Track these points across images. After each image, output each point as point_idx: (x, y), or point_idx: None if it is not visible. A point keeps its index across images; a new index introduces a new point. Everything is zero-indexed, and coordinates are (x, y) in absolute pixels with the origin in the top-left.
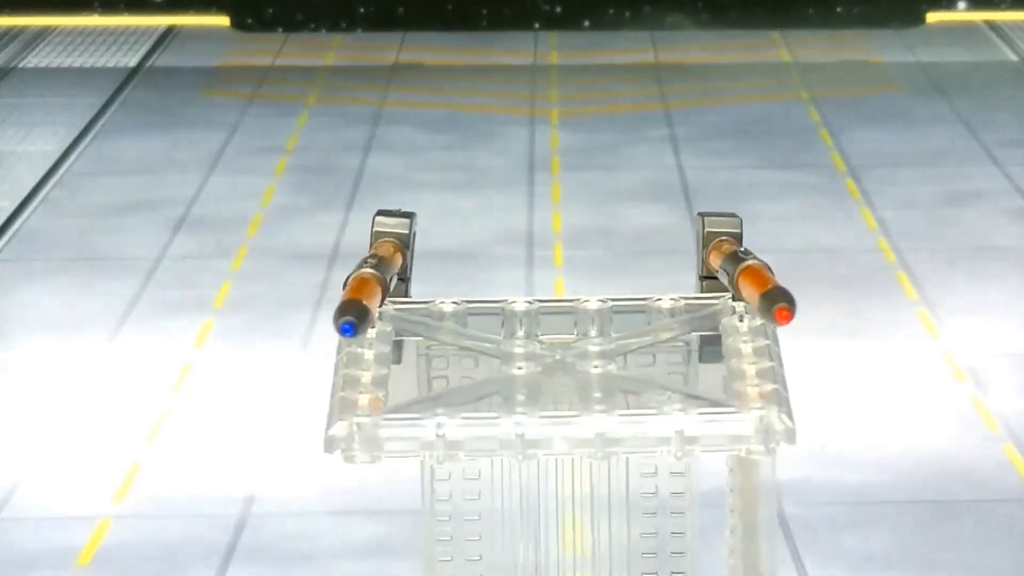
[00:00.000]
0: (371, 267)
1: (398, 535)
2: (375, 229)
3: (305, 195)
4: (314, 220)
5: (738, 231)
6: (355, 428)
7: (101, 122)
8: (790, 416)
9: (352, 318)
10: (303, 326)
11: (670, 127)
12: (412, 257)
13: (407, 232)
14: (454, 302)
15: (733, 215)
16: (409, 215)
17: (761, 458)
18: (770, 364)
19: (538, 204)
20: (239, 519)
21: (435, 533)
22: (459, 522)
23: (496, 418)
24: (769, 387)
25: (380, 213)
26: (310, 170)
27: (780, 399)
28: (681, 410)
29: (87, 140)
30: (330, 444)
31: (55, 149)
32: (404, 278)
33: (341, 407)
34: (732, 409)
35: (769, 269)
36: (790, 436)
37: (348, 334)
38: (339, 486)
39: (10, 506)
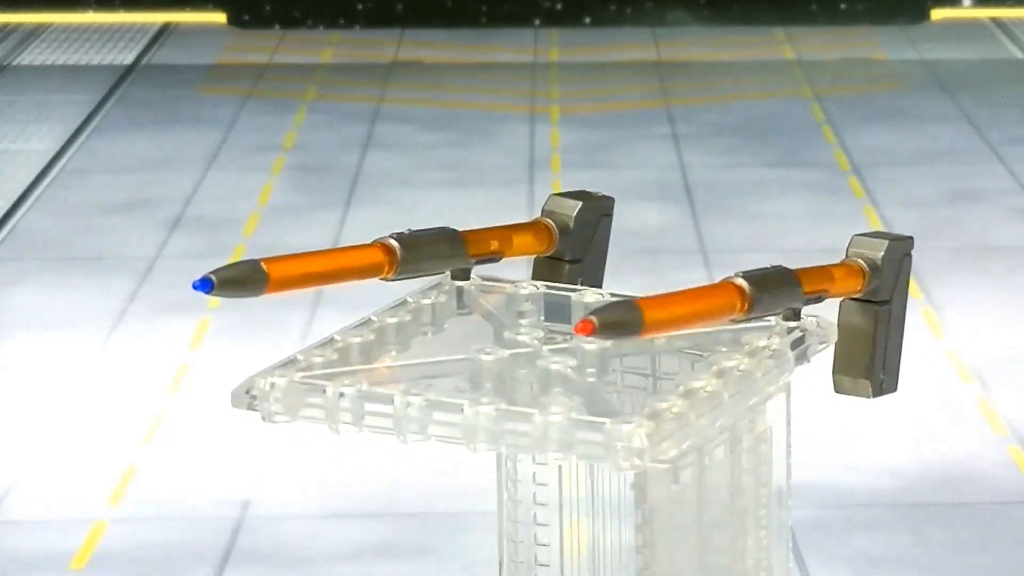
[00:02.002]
0: (394, 238)
1: (399, 538)
2: (543, 207)
3: (303, 193)
4: (312, 218)
5: (877, 253)
6: (269, 387)
7: (96, 120)
8: (656, 439)
9: (212, 276)
10: (301, 326)
11: (672, 125)
12: (595, 243)
13: (570, 214)
14: (535, 285)
15: (887, 237)
16: (591, 199)
17: (631, 472)
18: (708, 386)
19: (539, 203)
20: (236, 522)
21: (513, 515)
22: (529, 505)
23: (390, 396)
24: (674, 405)
25: (563, 194)
26: (308, 168)
27: (665, 420)
28: (559, 413)
29: (82, 138)
30: (235, 398)
31: (50, 147)
32: (561, 259)
33: (277, 364)
34: (605, 420)
35: (744, 288)
36: (640, 456)
37: (199, 289)
38: (338, 488)
39: (4, 508)
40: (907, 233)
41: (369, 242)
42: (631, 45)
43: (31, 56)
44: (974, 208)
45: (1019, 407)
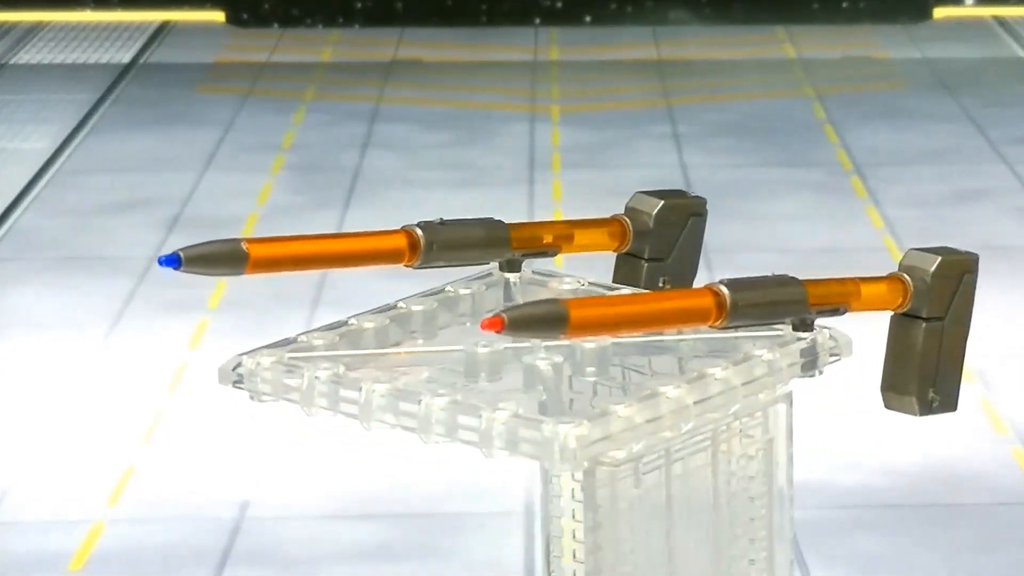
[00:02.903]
0: (420, 225)
1: (400, 539)
2: (627, 204)
3: (302, 193)
4: (311, 218)
5: (927, 269)
6: (255, 366)
7: (94, 119)
8: (591, 440)
9: (180, 252)
10: (299, 326)
11: (673, 124)
12: (682, 243)
13: (649, 212)
14: (580, 281)
15: (943, 252)
16: (675, 197)
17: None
18: (673, 391)
19: (538, 202)
20: (235, 523)
21: (555, 510)
22: (569, 501)
23: (359, 383)
24: (627, 408)
25: (648, 192)
26: (307, 168)
27: (610, 422)
28: (505, 410)
29: (80, 137)
30: (221, 375)
31: (47, 147)
32: (640, 257)
33: (273, 344)
34: (544, 419)
35: (723, 295)
36: (573, 456)
37: (165, 265)
38: (337, 490)
39: (2, 509)
40: (912, 232)
41: (395, 228)
42: (632, 44)
43: (28, 55)
44: (976, 208)
45: (1020, 407)
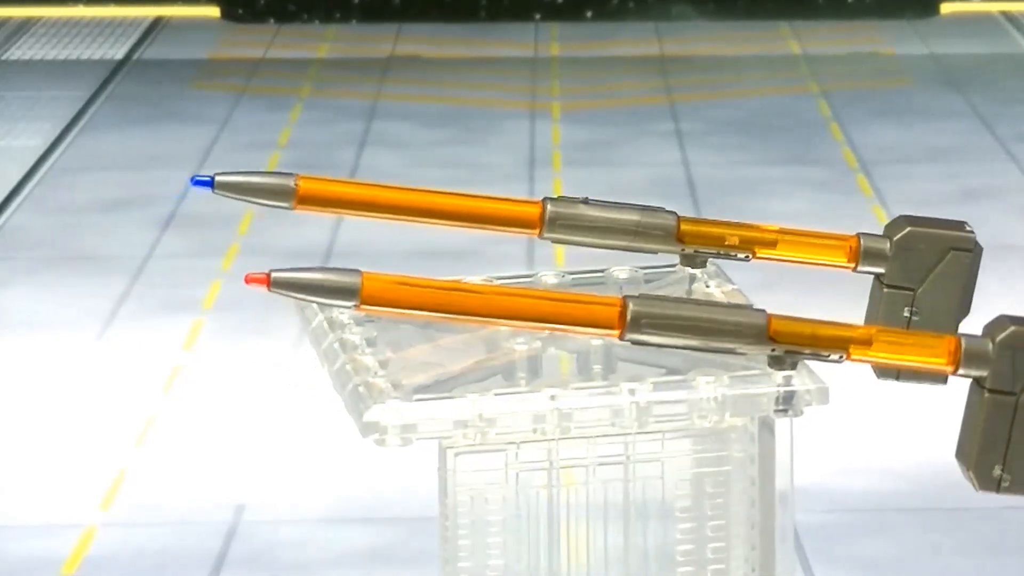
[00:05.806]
0: (558, 199)
1: (396, 543)
2: (886, 224)
3: None
4: (308, 218)
5: (996, 336)
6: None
7: (87, 116)
8: (399, 418)
9: (212, 175)
10: (296, 327)
11: (675, 121)
12: (936, 277)
13: (891, 236)
14: (723, 289)
15: None
16: (933, 226)
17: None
18: (557, 397)
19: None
20: (230, 526)
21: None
22: (480, 513)
23: (331, 332)
24: (469, 398)
25: (909, 217)
26: (303, 166)
27: (432, 408)
28: (383, 378)
29: (72, 135)
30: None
31: (40, 144)
32: (881, 281)
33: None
34: (378, 395)
35: (626, 310)
36: (382, 433)
37: (194, 184)
38: (335, 493)
39: None
40: None
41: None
42: (634, 40)
43: (20, 51)
44: (984, 206)
45: None
